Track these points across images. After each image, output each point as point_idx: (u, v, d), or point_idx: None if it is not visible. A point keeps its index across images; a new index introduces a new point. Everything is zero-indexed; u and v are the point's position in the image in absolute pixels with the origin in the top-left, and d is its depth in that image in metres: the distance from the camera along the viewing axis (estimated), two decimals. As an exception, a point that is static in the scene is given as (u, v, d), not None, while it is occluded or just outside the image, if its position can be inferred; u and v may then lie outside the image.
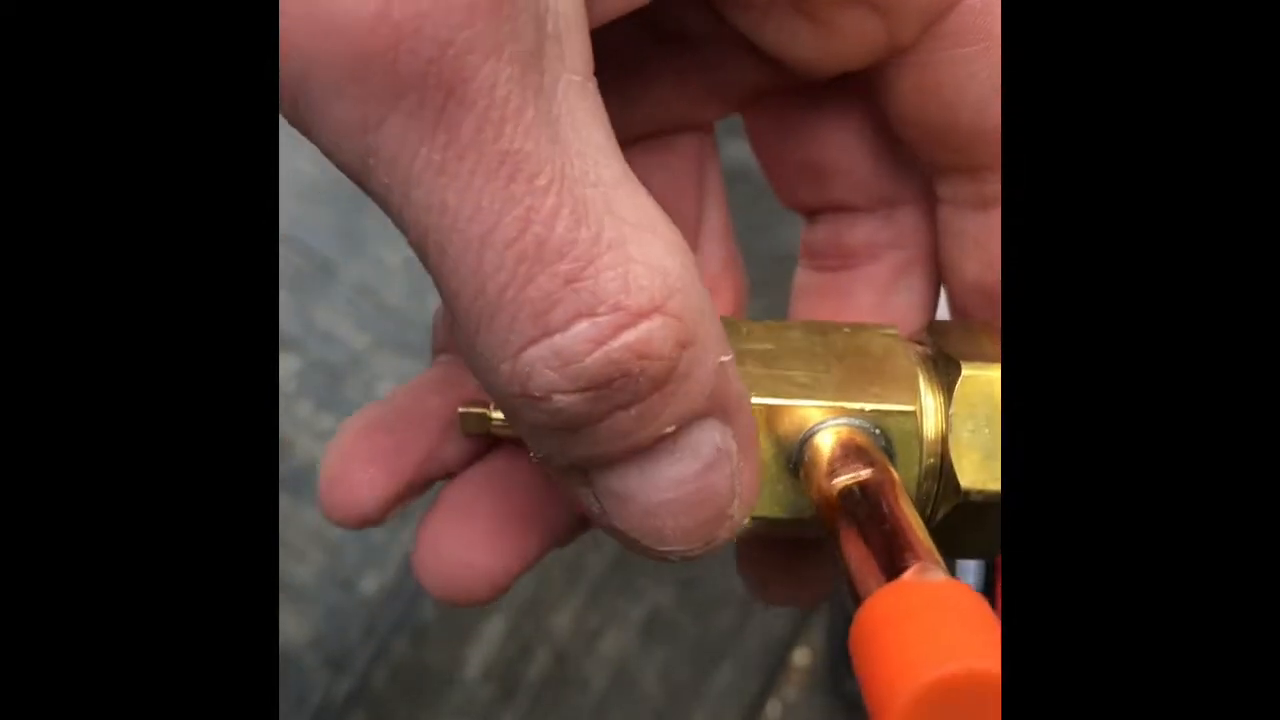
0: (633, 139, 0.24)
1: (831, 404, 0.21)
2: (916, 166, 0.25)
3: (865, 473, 0.20)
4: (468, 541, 0.23)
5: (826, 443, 0.21)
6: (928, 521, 0.22)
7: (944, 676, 0.17)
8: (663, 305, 0.16)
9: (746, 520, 0.20)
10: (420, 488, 0.24)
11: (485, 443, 0.24)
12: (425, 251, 0.16)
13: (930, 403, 0.22)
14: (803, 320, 0.24)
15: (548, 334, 0.15)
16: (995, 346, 0.22)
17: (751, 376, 0.21)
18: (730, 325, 0.22)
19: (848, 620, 0.73)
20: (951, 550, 0.22)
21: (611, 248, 0.15)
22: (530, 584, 0.84)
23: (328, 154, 0.16)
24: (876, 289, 0.25)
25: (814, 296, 0.25)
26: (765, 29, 0.21)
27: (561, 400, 0.16)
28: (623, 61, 0.21)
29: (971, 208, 0.24)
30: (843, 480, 0.21)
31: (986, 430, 0.21)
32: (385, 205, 0.16)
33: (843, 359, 0.22)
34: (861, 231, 0.25)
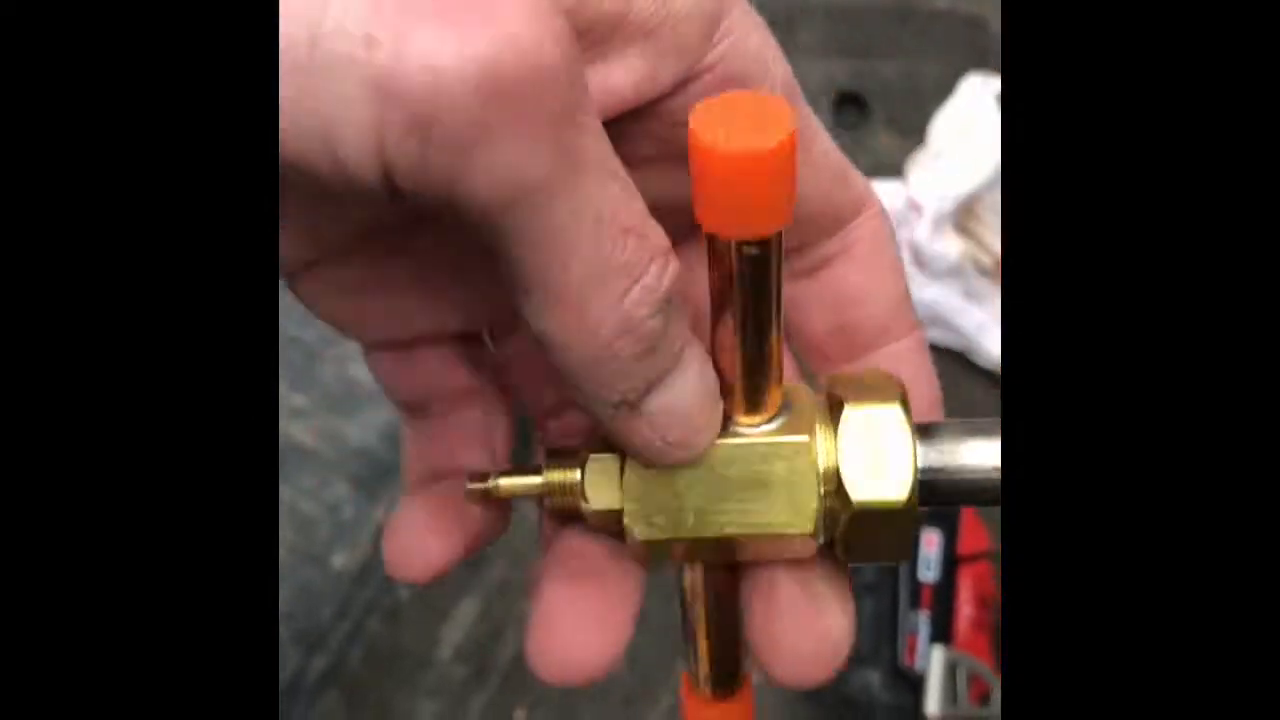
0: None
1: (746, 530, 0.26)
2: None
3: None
4: (576, 642, 0.27)
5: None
6: (832, 534, 0.27)
7: None
8: (669, 244, 0.22)
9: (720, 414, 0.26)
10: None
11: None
12: (542, 261, 0.21)
13: (822, 445, 0.26)
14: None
15: (640, 276, 0.22)
16: (882, 389, 0.26)
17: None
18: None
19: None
20: (865, 557, 0.27)
21: (645, 208, 0.22)
22: (502, 567, 0.85)
23: (455, 201, 0.20)
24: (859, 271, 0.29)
25: (806, 304, 0.30)
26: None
27: (652, 324, 0.22)
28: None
29: (805, 276, 0.29)
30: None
31: (869, 456, 0.26)
32: (502, 238, 0.21)
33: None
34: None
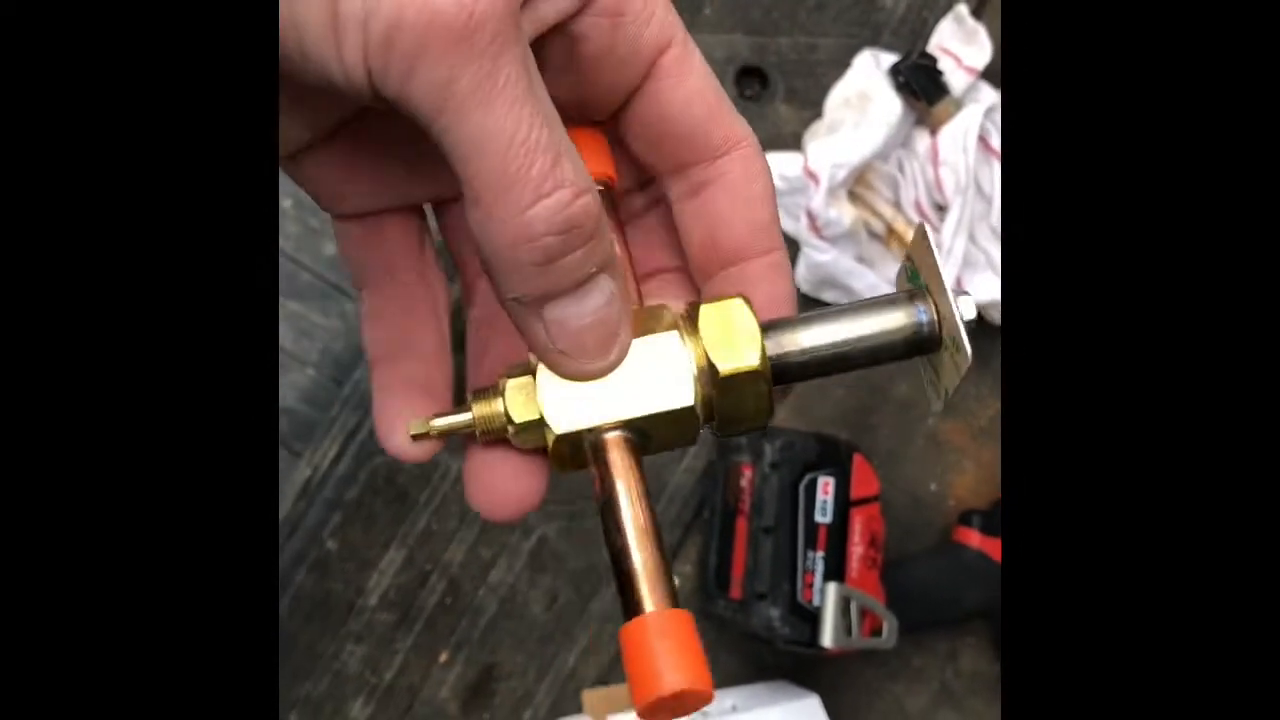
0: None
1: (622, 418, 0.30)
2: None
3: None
4: (502, 488, 0.32)
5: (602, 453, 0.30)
6: (708, 419, 0.30)
7: (660, 697, 0.26)
8: (588, 189, 0.26)
9: (626, 348, 0.29)
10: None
11: None
12: (464, 160, 0.25)
13: (689, 342, 0.30)
14: None
15: (543, 197, 0.25)
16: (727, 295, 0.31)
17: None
18: None
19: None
20: (738, 427, 0.31)
21: (564, 152, 0.25)
22: (426, 518, 0.88)
23: (405, 103, 0.25)
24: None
25: (685, 222, 0.34)
26: None
27: (548, 239, 0.26)
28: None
29: (687, 198, 0.33)
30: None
31: (724, 339, 0.30)
32: (441, 138, 0.25)
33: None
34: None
